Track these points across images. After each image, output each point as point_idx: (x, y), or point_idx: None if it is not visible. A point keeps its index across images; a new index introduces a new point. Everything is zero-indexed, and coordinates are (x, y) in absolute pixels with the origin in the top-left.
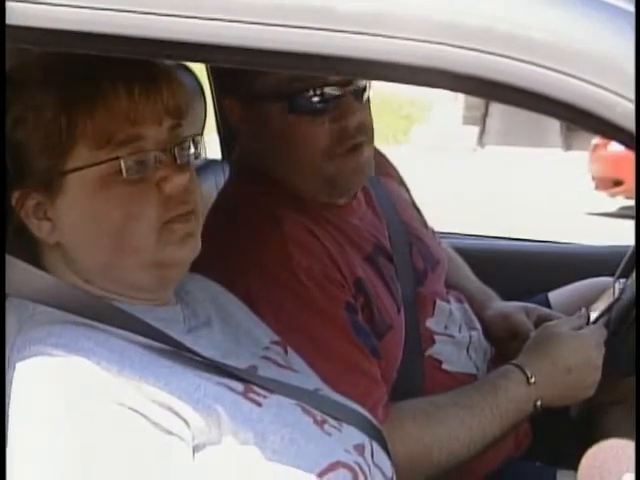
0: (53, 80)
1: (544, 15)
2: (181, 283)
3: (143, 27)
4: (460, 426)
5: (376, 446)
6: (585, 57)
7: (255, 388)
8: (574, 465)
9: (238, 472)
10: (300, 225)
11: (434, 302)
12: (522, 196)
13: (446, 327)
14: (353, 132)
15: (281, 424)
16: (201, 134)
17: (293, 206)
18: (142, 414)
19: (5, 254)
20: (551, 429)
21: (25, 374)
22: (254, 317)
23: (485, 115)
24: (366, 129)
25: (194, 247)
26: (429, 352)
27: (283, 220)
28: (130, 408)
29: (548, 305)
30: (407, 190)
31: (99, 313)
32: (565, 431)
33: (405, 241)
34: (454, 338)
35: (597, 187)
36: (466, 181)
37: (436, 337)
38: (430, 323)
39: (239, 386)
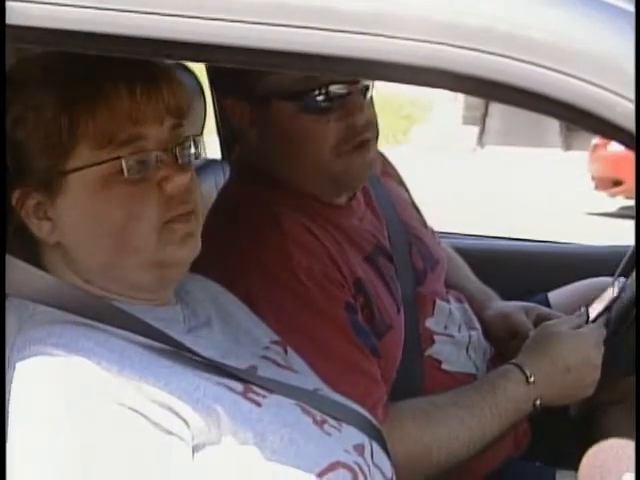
0: (54, 80)
1: (544, 15)
2: (181, 283)
3: (145, 27)
4: (459, 426)
5: (376, 446)
6: (585, 57)
7: (255, 388)
8: (574, 465)
9: (238, 472)
10: (300, 225)
11: (434, 302)
12: (522, 196)
13: (446, 327)
14: (360, 129)
15: (280, 424)
16: (201, 134)
17: (293, 206)
18: (142, 414)
19: (5, 254)
20: (551, 429)
21: (25, 374)
22: (254, 317)
23: (485, 115)
24: (372, 126)
25: (194, 247)
26: (429, 352)
27: (283, 220)
28: (130, 408)
29: (548, 305)
30: (406, 190)
31: (99, 313)
32: (565, 431)
33: (404, 241)
34: (454, 338)
35: (597, 187)
36: (466, 181)
37: (436, 337)
38: (430, 323)
39: (239, 386)
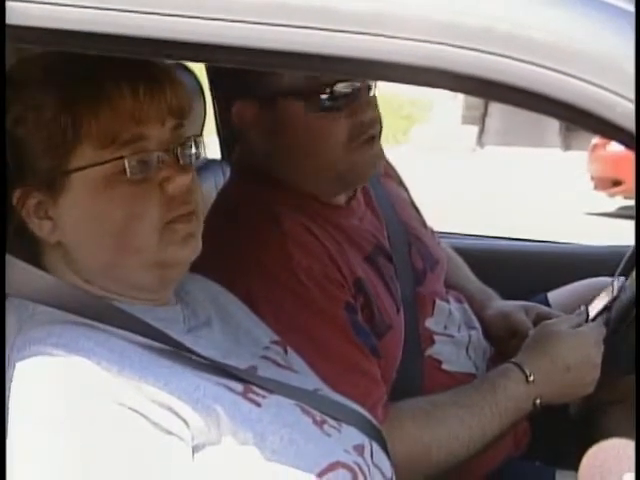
0: (57, 80)
1: (544, 15)
2: (181, 283)
3: (145, 27)
4: (459, 425)
5: (376, 446)
6: (585, 57)
7: (254, 388)
8: (573, 464)
9: (237, 472)
10: (300, 225)
11: (433, 302)
12: (521, 196)
13: (445, 327)
14: (368, 125)
15: (280, 424)
16: (201, 134)
17: (293, 206)
18: (142, 414)
19: (5, 254)
20: (550, 428)
21: (25, 374)
22: (254, 317)
23: (484, 115)
24: (377, 122)
25: (195, 247)
26: (429, 352)
27: (283, 220)
28: (130, 408)
29: (547, 305)
30: (406, 190)
31: (99, 313)
32: (564, 430)
33: (404, 241)
34: (453, 338)
35: (596, 187)
36: (465, 181)
37: (435, 337)
38: (429, 323)
39: (238, 386)
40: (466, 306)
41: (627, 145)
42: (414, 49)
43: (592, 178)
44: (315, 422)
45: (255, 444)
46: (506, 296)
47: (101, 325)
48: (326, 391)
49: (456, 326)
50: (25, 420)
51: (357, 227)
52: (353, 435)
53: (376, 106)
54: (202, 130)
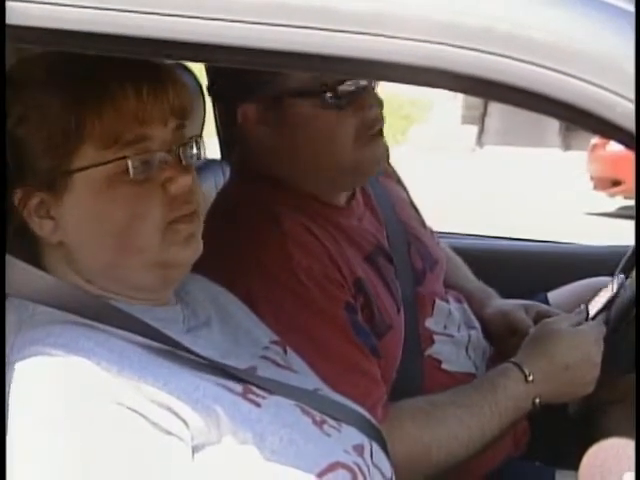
0: (60, 80)
1: (544, 15)
2: (181, 283)
3: (145, 27)
4: (459, 425)
5: (375, 446)
6: (585, 57)
7: (254, 389)
8: (573, 464)
9: (237, 473)
10: (300, 225)
11: (433, 302)
12: (521, 196)
13: (445, 327)
14: (374, 121)
15: (280, 425)
16: (201, 135)
17: (293, 206)
18: (141, 414)
19: (5, 254)
20: (550, 428)
21: (25, 374)
22: (254, 317)
23: (484, 115)
24: (381, 118)
25: (197, 248)
26: (428, 352)
27: (283, 220)
28: (129, 408)
29: (547, 305)
30: (405, 190)
31: (99, 313)
32: (564, 430)
33: (403, 241)
34: (453, 338)
35: (596, 187)
36: (465, 181)
37: (435, 337)
38: (429, 323)
39: (238, 387)
40: (465, 306)
41: (627, 145)
42: (414, 49)
43: (592, 178)
44: (315, 422)
45: (255, 444)
46: (506, 296)
47: (101, 325)
48: (326, 391)
49: (456, 326)
50: (25, 420)
51: (357, 227)
52: (353, 435)
53: (381, 102)
54: (202, 130)
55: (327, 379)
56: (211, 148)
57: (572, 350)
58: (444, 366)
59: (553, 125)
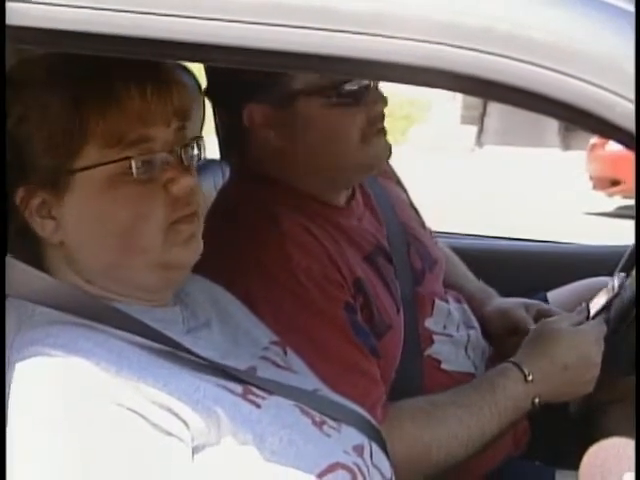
0: (64, 80)
1: (544, 15)
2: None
3: (141, 27)
4: (459, 425)
5: (375, 447)
6: (585, 57)
7: (254, 389)
8: (573, 463)
9: (237, 473)
10: (299, 225)
11: (432, 302)
12: (520, 196)
13: (444, 327)
14: (378, 118)
15: (280, 425)
16: (200, 135)
17: (292, 206)
18: (141, 415)
19: (5, 254)
20: (550, 427)
21: (24, 374)
22: (253, 317)
23: (483, 115)
24: (384, 115)
25: (197, 248)
26: (428, 352)
27: (282, 220)
28: (129, 409)
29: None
30: (404, 190)
31: (98, 314)
32: (564, 430)
33: (403, 241)
34: (452, 337)
35: (595, 187)
36: (464, 181)
37: (435, 337)
38: (429, 323)
39: (238, 387)
40: (465, 306)
41: (627, 145)
42: (413, 49)
43: (591, 178)
44: (314, 423)
45: (255, 445)
46: (505, 295)
47: (100, 326)
48: (325, 391)
49: (455, 326)
50: (24, 420)
51: (356, 227)
52: (352, 436)
53: (385, 99)
54: (201, 131)
55: (326, 379)
56: (210, 146)
57: (572, 350)
58: (443, 366)
59: (552, 125)
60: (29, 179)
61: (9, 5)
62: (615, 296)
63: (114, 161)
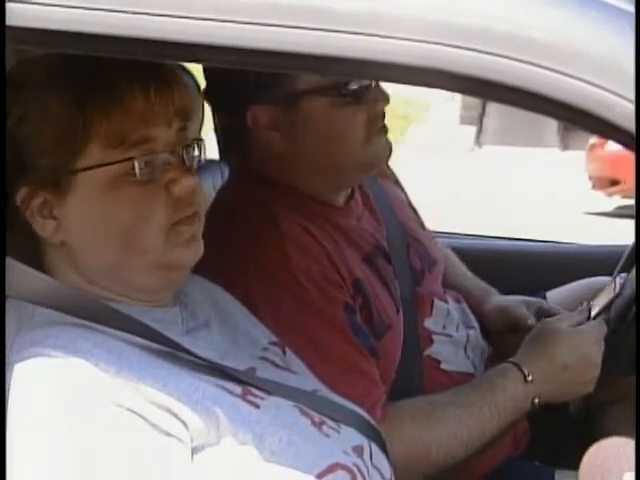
0: (68, 79)
1: (544, 15)
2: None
3: (135, 27)
4: (458, 425)
5: (375, 447)
6: (585, 57)
7: (253, 390)
8: (573, 463)
9: (237, 474)
10: (299, 226)
11: (432, 302)
12: (519, 196)
13: (444, 327)
14: (380, 116)
15: (279, 426)
16: (199, 136)
17: (291, 206)
18: (140, 415)
19: (5, 255)
20: (550, 427)
21: (24, 375)
22: (252, 318)
23: (482, 115)
24: (385, 112)
25: (198, 249)
26: (427, 352)
27: (281, 220)
28: (128, 409)
29: None
30: (403, 191)
31: (98, 314)
32: (564, 430)
33: (402, 242)
34: (452, 337)
35: (594, 187)
36: (463, 181)
37: (434, 337)
38: (428, 323)
39: (237, 388)
40: (464, 306)
41: (626, 145)
42: (410, 49)
43: (590, 178)
44: (314, 423)
45: (254, 446)
46: (504, 295)
47: (99, 326)
48: (325, 392)
49: (454, 326)
50: (24, 421)
51: (356, 227)
52: (352, 436)
53: (387, 96)
54: (200, 132)
55: (326, 380)
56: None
57: (572, 350)
58: (443, 366)
59: (551, 125)
60: (30, 179)
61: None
62: (617, 296)
63: (118, 161)
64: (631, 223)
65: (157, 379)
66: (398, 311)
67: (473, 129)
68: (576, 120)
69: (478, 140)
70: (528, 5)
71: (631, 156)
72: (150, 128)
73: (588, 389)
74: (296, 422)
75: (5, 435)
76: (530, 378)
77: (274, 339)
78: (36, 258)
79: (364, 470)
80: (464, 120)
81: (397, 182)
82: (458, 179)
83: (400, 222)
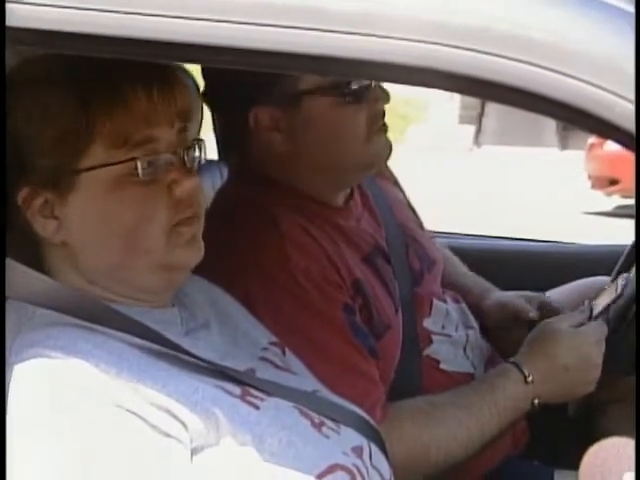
0: (71, 79)
1: (544, 15)
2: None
3: (128, 27)
4: (458, 425)
5: (374, 448)
6: (584, 57)
7: (253, 391)
8: (572, 463)
9: (236, 475)
10: (298, 226)
11: (431, 302)
12: (519, 196)
13: (443, 327)
14: (382, 114)
15: (279, 427)
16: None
17: (291, 207)
18: (140, 416)
19: (5, 256)
20: (549, 427)
21: (24, 376)
22: (252, 318)
23: (481, 115)
24: (384, 113)
25: (198, 250)
26: (427, 352)
27: (281, 221)
28: (128, 410)
29: None
30: (402, 191)
31: (97, 315)
32: (563, 430)
33: (401, 242)
34: (451, 337)
35: (593, 186)
36: (462, 181)
37: (433, 337)
38: (427, 323)
39: (237, 389)
40: (463, 306)
41: (626, 145)
42: (408, 49)
43: (589, 177)
44: (313, 424)
45: (254, 446)
46: None
47: (99, 327)
48: (324, 392)
49: (454, 326)
50: (24, 422)
51: (355, 228)
52: (352, 437)
53: (387, 95)
54: (199, 133)
55: (325, 380)
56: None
57: (572, 351)
58: (442, 366)
59: (550, 125)
60: (32, 179)
61: None
62: (618, 297)
63: (121, 162)
64: (630, 223)
65: (157, 380)
66: (397, 311)
67: (472, 129)
68: (575, 120)
69: (477, 140)
70: (528, 5)
71: (630, 155)
72: (153, 128)
73: (588, 390)
74: (296, 423)
75: (5, 435)
76: (530, 379)
77: (274, 339)
78: (36, 259)
79: (364, 471)
80: (463, 120)
81: (396, 183)
82: (457, 179)
83: (399, 223)
